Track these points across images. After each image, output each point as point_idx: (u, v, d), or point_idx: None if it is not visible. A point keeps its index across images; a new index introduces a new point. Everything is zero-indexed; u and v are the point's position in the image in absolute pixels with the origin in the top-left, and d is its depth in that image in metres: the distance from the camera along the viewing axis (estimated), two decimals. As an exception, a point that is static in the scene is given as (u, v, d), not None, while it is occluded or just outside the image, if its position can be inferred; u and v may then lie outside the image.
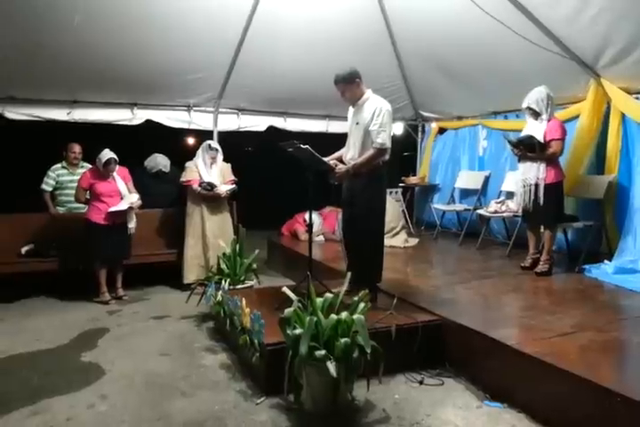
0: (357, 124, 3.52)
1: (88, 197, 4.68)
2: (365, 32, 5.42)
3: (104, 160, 4.54)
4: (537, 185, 4.24)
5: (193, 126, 6.24)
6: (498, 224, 6.10)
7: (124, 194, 4.70)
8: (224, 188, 5.10)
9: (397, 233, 6.15)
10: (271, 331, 2.81)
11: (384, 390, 2.82)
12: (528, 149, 4.25)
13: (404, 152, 8.77)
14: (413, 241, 6.12)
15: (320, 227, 6.36)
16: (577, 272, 4.42)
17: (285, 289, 2.96)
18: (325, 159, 3.52)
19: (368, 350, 2.46)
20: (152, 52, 5.03)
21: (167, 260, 5.22)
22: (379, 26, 5.50)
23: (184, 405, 2.74)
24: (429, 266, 5.29)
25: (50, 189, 5.27)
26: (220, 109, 6.29)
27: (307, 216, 5.00)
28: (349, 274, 3.22)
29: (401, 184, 7.45)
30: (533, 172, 4.25)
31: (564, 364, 2.43)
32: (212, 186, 5.01)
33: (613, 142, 4.65)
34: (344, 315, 2.60)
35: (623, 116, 4.59)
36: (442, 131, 7.53)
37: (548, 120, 4.26)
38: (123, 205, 4.61)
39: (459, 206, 6.58)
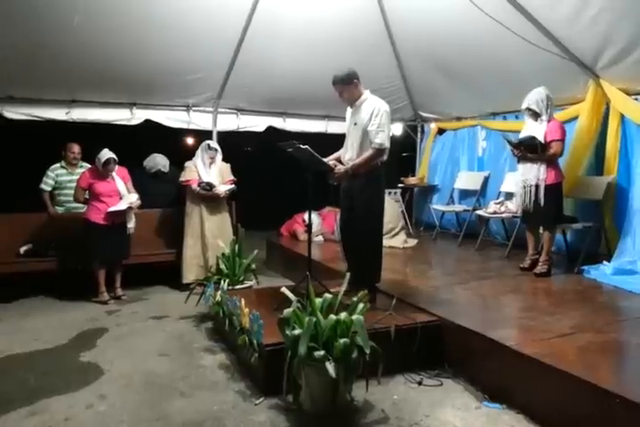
0: (355, 124, 3.53)
1: (87, 196, 4.68)
2: (365, 32, 5.42)
3: (103, 160, 4.53)
4: (537, 186, 4.24)
5: (192, 126, 6.23)
6: (497, 225, 6.10)
7: (123, 194, 4.70)
8: (223, 188, 5.10)
9: (396, 234, 6.15)
10: (270, 331, 2.80)
11: (383, 390, 2.82)
12: (529, 149, 4.25)
13: (403, 153, 8.78)
14: (412, 242, 6.13)
15: (319, 227, 6.36)
16: (576, 273, 4.42)
17: (284, 289, 2.96)
18: (325, 160, 3.52)
19: (367, 351, 2.46)
20: (151, 51, 5.02)
21: (166, 260, 5.22)
22: (378, 26, 5.51)
23: (183, 405, 2.74)
24: (428, 267, 5.29)
25: (49, 188, 5.26)
26: (220, 109, 6.29)
27: (306, 216, 5.01)
28: (348, 274, 3.23)
29: (400, 185, 7.45)
30: (534, 173, 4.25)
31: (563, 365, 2.43)
32: (210, 186, 5.01)
33: (612, 143, 4.65)
34: (343, 315, 2.60)
35: (622, 117, 4.59)
36: (441, 131, 7.53)
37: (548, 121, 4.26)
38: (122, 205, 4.60)
39: (458, 207, 6.58)
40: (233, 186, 5.22)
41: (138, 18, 4.57)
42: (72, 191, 4.85)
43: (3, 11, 4.12)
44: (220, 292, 3.80)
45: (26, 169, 5.90)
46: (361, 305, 2.76)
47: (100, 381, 3.05)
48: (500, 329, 3.01)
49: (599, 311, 3.42)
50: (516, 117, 5.84)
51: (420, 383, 2.96)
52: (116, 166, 4.68)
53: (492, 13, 4.17)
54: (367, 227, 3.53)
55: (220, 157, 5.26)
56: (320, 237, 6.30)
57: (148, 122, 5.96)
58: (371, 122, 3.40)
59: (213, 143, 5.36)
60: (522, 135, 4.41)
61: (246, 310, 3.13)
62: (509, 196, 5.53)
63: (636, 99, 4.47)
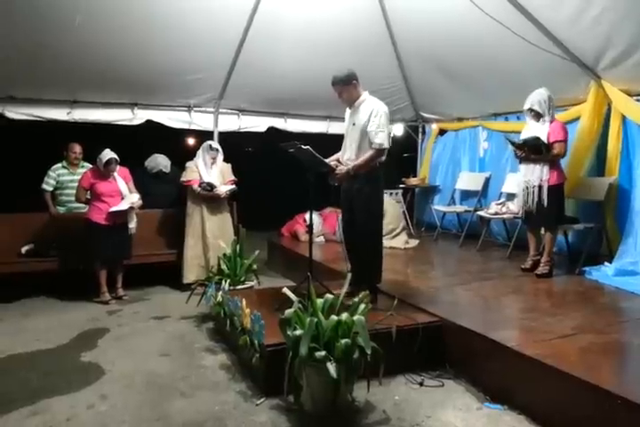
0: (354, 124, 3.54)
1: (89, 196, 4.68)
2: (366, 33, 5.42)
3: (105, 160, 4.54)
4: (540, 187, 4.23)
5: (193, 127, 6.24)
6: (498, 226, 6.10)
7: (124, 194, 4.70)
8: (224, 188, 5.10)
9: (398, 234, 6.15)
10: (271, 332, 2.81)
11: (384, 391, 2.82)
12: (533, 150, 4.25)
13: (405, 153, 8.78)
14: (414, 242, 6.12)
15: (320, 228, 6.36)
16: (577, 274, 4.41)
17: (286, 290, 2.96)
18: (326, 161, 3.52)
19: (368, 352, 2.46)
20: (153, 52, 5.03)
21: (167, 260, 5.22)
22: (379, 27, 5.51)
23: (184, 405, 2.74)
24: (430, 267, 5.28)
25: (50, 188, 5.27)
26: (221, 110, 6.30)
27: (307, 217, 5.01)
28: (349, 275, 3.22)
29: (401, 185, 7.45)
30: (537, 173, 4.25)
31: (565, 366, 2.43)
32: (211, 186, 5.01)
33: (614, 144, 4.65)
34: (344, 316, 2.59)
35: (624, 118, 4.58)
36: (442, 132, 7.54)
37: (551, 122, 4.26)
38: (123, 205, 4.61)
39: (459, 208, 6.58)
40: (234, 186, 5.22)
41: (139, 18, 4.58)
42: (73, 191, 4.86)
43: (4, 11, 4.12)
44: (221, 292, 3.80)
45: (27, 169, 5.91)
46: (362, 306, 2.76)
47: (102, 381, 3.05)
48: (502, 330, 3.01)
49: (601, 312, 3.42)
50: (518, 118, 5.83)
51: (421, 384, 2.96)
52: (118, 166, 4.68)
53: (493, 14, 4.16)
54: (366, 228, 3.54)
55: (221, 157, 5.27)
56: (321, 238, 6.30)
57: (149, 122, 5.96)
58: (370, 122, 3.41)
59: (215, 144, 5.36)
60: (523, 136, 4.41)
61: (247, 311, 3.13)
62: (511, 196, 5.52)
63: (638, 100, 4.46)
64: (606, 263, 4.36)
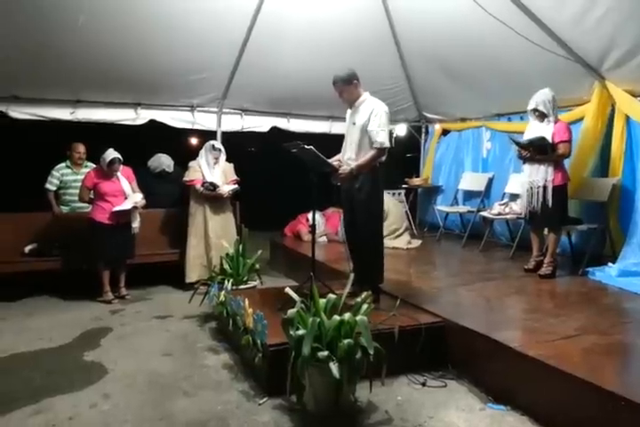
0: (354, 124, 3.56)
1: (92, 196, 4.69)
2: (369, 33, 5.42)
3: (108, 160, 4.55)
4: (545, 187, 4.22)
5: (196, 127, 6.24)
6: (501, 226, 6.08)
7: (128, 194, 4.71)
8: (226, 188, 5.11)
9: (400, 235, 6.14)
10: (274, 331, 2.81)
11: (387, 391, 2.82)
12: (538, 150, 4.24)
13: (407, 153, 8.76)
14: (416, 243, 6.12)
15: (323, 228, 6.36)
16: (580, 275, 4.40)
17: (288, 290, 2.96)
18: (329, 161, 3.52)
19: (371, 352, 2.46)
20: (156, 52, 5.03)
21: (170, 259, 5.23)
22: (382, 27, 5.51)
23: (186, 405, 2.74)
24: (432, 268, 5.28)
25: (54, 188, 5.28)
26: (224, 110, 6.30)
27: (310, 217, 5.01)
28: (352, 275, 3.22)
29: (404, 185, 7.45)
30: (541, 174, 4.24)
31: (568, 367, 2.42)
32: (214, 186, 5.02)
33: (618, 145, 4.63)
34: (347, 316, 2.59)
35: (628, 118, 4.57)
36: (445, 132, 7.53)
37: (555, 122, 4.26)
38: (127, 205, 4.62)
39: (462, 208, 6.57)
40: (236, 186, 5.22)
41: (143, 18, 4.58)
42: (77, 191, 4.87)
43: (7, 11, 4.13)
44: (223, 292, 3.80)
45: (31, 169, 5.92)
46: (365, 306, 2.76)
47: (104, 380, 3.06)
48: (505, 331, 3.01)
49: (604, 313, 3.41)
50: (521, 119, 5.82)
51: (423, 384, 2.96)
52: (121, 166, 4.69)
53: (497, 14, 4.16)
54: (367, 228, 3.54)
55: (223, 157, 5.27)
56: (324, 238, 6.30)
57: (152, 122, 5.97)
58: (370, 122, 3.42)
59: (217, 144, 5.37)
60: (526, 136, 4.40)
61: (250, 310, 3.13)
62: (514, 197, 5.51)
63: (642, 100, 4.45)
64: (610, 264, 4.35)
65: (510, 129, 5.87)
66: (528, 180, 4.36)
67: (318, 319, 2.57)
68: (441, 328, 3.21)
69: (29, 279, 4.80)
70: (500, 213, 5.40)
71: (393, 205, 6.38)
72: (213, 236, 5.06)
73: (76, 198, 4.92)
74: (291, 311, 2.66)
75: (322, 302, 2.75)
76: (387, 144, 3.43)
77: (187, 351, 3.52)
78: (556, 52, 4.40)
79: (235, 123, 6.47)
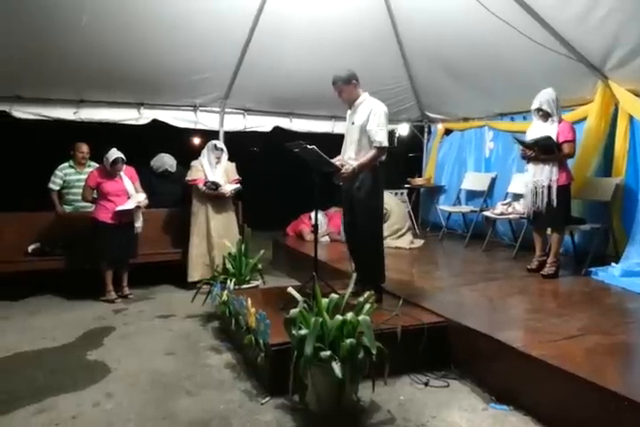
0: (353, 124, 3.59)
1: (95, 196, 4.70)
2: (371, 32, 5.42)
3: (111, 159, 4.56)
4: (549, 187, 4.22)
5: (199, 126, 6.25)
6: (504, 226, 6.07)
7: (131, 193, 4.72)
8: (229, 187, 5.12)
9: (403, 234, 6.15)
10: (276, 331, 2.81)
11: (389, 391, 2.82)
12: (543, 150, 4.23)
13: (410, 153, 8.76)
14: (419, 242, 6.11)
15: (325, 227, 6.36)
16: (583, 275, 4.39)
17: (291, 289, 2.97)
18: (332, 160, 3.53)
19: (373, 351, 2.46)
20: (159, 52, 5.04)
21: (172, 259, 5.23)
22: (385, 26, 5.50)
23: (189, 404, 2.75)
24: (435, 267, 5.28)
25: (57, 188, 5.29)
26: (226, 110, 6.30)
27: (312, 216, 5.01)
28: (355, 275, 3.22)
29: (406, 185, 7.43)
30: (546, 173, 4.22)
31: (571, 367, 2.42)
32: (216, 185, 5.02)
33: (621, 144, 4.62)
34: (349, 316, 2.60)
35: (631, 118, 4.56)
36: (448, 132, 7.51)
37: (559, 122, 4.25)
38: (130, 205, 4.62)
39: (465, 208, 6.56)
40: (238, 185, 5.23)
41: (145, 18, 4.59)
42: (80, 190, 4.88)
43: (11, 11, 4.14)
44: (226, 291, 3.81)
45: (34, 168, 5.94)
46: (367, 306, 2.76)
47: (107, 379, 3.07)
48: (507, 331, 3.00)
49: (607, 313, 3.40)
50: (524, 118, 5.80)
51: (426, 384, 2.96)
52: (124, 166, 4.70)
53: (499, 13, 4.15)
54: (366, 228, 3.55)
55: (225, 156, 5.28)
56: (326, 238, 6.30)
57: (155, 122, 5.98)
58: (369, 121, 3.45)
59: (220, 143, 5.37)
60: (529, 136, 4.39)
61: (253, 310, 3.13)
62: (517, 197, 5.50)
63: (646, 100, 4.44)
64: (613, 264, 4.33)
65: (513, 129, 5.86)
66: (532, 179, 4.35)
67: (321, 319, 2.57)
68: (443, 328, 3.20)
69: (32, 279, 4.81)
70: (502, 213, 5.39)
71: (395, 204, 6.38)
72: (215, 235, 5.07)
73: (80, 198, 4.94)
74: (293, 311, 2.67)
75: (324, 301, 2.75)
76: (385, 143, 3.44)
77: (189, 351, 3.53)
78: (558, 51, 4.38)
79: (237, 122, 6.47)
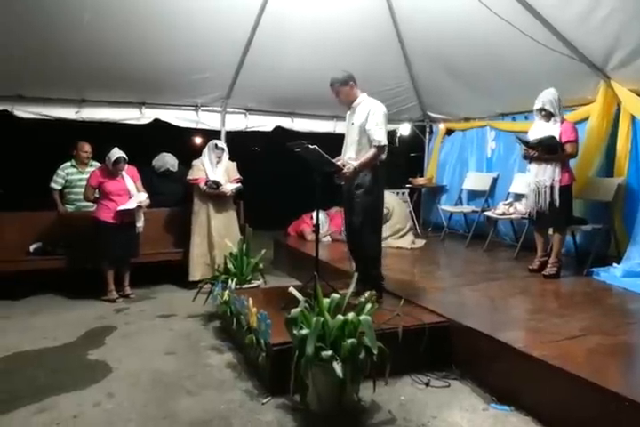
0: (352, 124, 3.61)
1: (97, 195, 4.71)
2: (373, 32, 5.41)
3: (113, 159, 4.56)
4: (552, 187, 4.21)
5: (201, 126, 6.25)
6: (505, 226, 6.06)
7: (132, 193, 4.73)
8: (229, 186, 5.12)
9: (404, 234, 6.14)
10: (277, 331, 2.81)
11: (390, 391, 2.82)
12: (547, 150, 4.22)
13: (412, 153, 8.75)
14: (420, 242, 6.11)
15: (327, 227, 6.36)
16: (585, 275, 4.38)
17: (292, 289, 2.96)
18: (333, 160, 3.53)
19: (374, 351, 2.46)
20: (161, 51, 5.04)
21: (174, 258, 5.24)
22: (386, 26, 5.49)
23: (190, 404, 2.75)
24: (436, 267, 5.27)
25: (59, 187, 5.29)
26: (228, 109, 6.30)
27: (314, 216, 5.01)
28: (356, 275, 3.22)
29: (408, 185, 7.43)
30: (548, 173, 4.22)
31: (572, 367, 2.42)
32: (217, 184, 5.03)
33: (623, 145, 4.62)
34: (351, 316, 2.60)
35: (633, 118, 4.55)
36: (449, 132, 7.51)
37: (561, 122, 4.24)
38: (131, 204, 4.63)
39: (466, 208, 6.56)
40: (239, 185, 5.23)
41: (146, 16, 4.59)
42: (82, 190, 4.88)
43: (13, 10, 4.15)
44: (227, 291, 3.81)
45: (35, 168, 5.95)
46: (369, 305, 2.76)
47: (108, 379, 3.07)
48: (509, 331, 3.00)
49: (608, 314, 3.40)
50: (526, 118, 5.80)
51: (427, 384, 2.95)
52: (126, 165, 4.70)
53: (502, 13, 4.14)
54: (364, 226, 3.56)
55: (226, 156, 5.29)
56: (327, 238, 6.30)
57: (156, 121, 5.98)
58: (368, 121, 3.48)
59: (221, 143, 5.38)
60: (531, 136, 4.39)
61: (254, 310, 3.13)
62: (518, 197, 5.50)
63: (648, 100, 4.43)
64: (614, 264, 4.33)
65: (515, 129, 5.85)
66: (535, 179, 4.34)
67: (322, 319, 2.57)
68: (445, 328, 3.20)
69: (34, 278, 4.81)
70: (504, 213, 5.39)
71: (397, 204, 6.37)
72: (216, 234, 5.08)
73: (82, 197, 4.94)
74: (294, 311, 2.67)
75: (325, 301, 2.75)
76: (384, 142, 3.46)
77: (190, 350, 3.53)
78: (560, 51, 4.38)
79: (239, 122, 6.47)
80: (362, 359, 2.49)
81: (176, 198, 5.59)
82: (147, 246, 4.97)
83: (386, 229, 5.77)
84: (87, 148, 5.38)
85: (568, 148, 4.19)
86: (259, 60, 5.50)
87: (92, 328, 3.98)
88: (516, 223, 5.78)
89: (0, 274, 4.54)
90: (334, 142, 3.92)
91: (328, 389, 2.53)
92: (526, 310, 3.63)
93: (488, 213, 5.66)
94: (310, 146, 3.29)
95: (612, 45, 4.19)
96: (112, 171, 4.63)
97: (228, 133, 6.32)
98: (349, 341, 2.48)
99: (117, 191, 4.65)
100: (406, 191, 7.39)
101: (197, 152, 5.40)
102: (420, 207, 7.77)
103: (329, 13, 5.03)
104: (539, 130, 4.34)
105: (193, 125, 6.24)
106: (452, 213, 6.69)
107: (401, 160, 8.55)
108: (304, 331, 2.54)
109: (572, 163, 4.48)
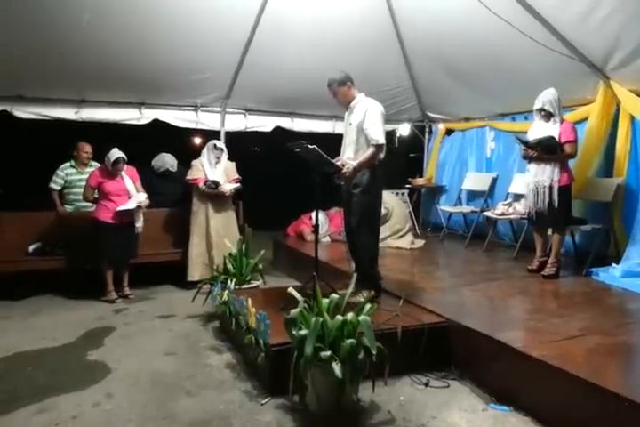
0: (350, 124, 3.63)
1: (96, 195, 4.70)
2: (373, 32, 5.42)
3: (113, 159, 4.56)
4: (551, 187, 4.21)
5: (200, 126, 6.25)
6: (505, 226, 6.07)
7: (132, 193, 4.72)
8: (228, 186, 5.12)
9: (404, 235, 6.14)
10: (277, 331, 2.81)
11: (389, 391, 2.81)
12: (546, 150, 4.22)
13: (411, 153, 8.75)
14: (420, 243, 6.11)
15: (326, 227, 6.36)
16: (584, 275, 4.38)
17: (291, 290, 2.96)
18: (333, 160, 3.53)
19: (374, 352, 2.45)
20: (160, 51, 5.04)
21: (173, 259, 5.23)
22: (386, 26, 5.50)
23: (189, 404, 2.74)
24: (435, 268, 5.27)
25: (58, 187, 5.29)
26: (228, 109, 6.30)
27: (313, 216, 5.00)
28: (355, 275, 3.22)
29: (407, 185, 7.43)
30: (547, 174, 4.22)
31: (571, 367, 2.42)
32: (216, 184, 5.03)
33: (622, 145, 4.62)
34: (350, 316, 2.60)
35: (632, 118, 4.55)
36: (449, 132, 7.51)
37: (561, 122, 4.25)
38: (131, 204, 4.63)
39: (465, 208, 6.56)
40: (238, 184, 5.23)
41: (146, 17, 4.59)
42: (82, 190, 4.88)
43: (12, 10, 4.14)
44: (226, 291, 3.81)
45: (35, 168, 5.94)
46: (368, 306, 2.76)
47: (108, 379, 3.06)
48: (508, 331, 3.00)
49: (608, 314, 3.40)
50: (525, 118, 5.80)
51: (426, 385, 2.95)
52: (126, 166, 4.70)
53: (501, 13, 4.15)
54: (361, 226, 3.57)
55: (225, 156, 5.29)
56: (327, 238, 6.30)
57: (156, 121, 5.98)
58: (365, 120, 3.50)
59: (220, 143, 5.38)
60: (531, 136, 4.39)
61: (253, 310, 3.13)
62: (518, 197, 5.50)
63: (647, 100, 4.43)
64: (614, 264, 4.33)
65: (514, 129, 5.85)
66: (534, 179, 4.34)
67: (321, 319, 2.57)
68: (444, 328, 3.20)
69: (33, 278, 4.81)
70: (503, 214, 5.39)
71: (396, 204, 6.38)
72: (215, 235, 5.08)
73: (81, 198, 4.94)
74: (293, 311, 2.67)
75: (325, 301, 2.75)
76: (382, 140, 3.48)
77: (190, 351, 3.53)
78: (560, 51, 4.38)
79: (238, 122, 6.47)
80: (361, 360, 2.49)
81: (175, 199, 5.59)
82: (146, 247, 4.97)
83: (385, 230, 5.78)
84: (87, 148, 5.38)
85: (567, 148, 4.19)
86: (258, 60, 5.50)
87: (91, 329, 3.98)
88: (516, 223, 5.78)
89: (-1, 274, 4.54)
90: (334, 142, 3.92)
91: (327, 389, 2.53)
92: (525, 310, 3.63)
93: (487, 214, 5.66)
94: (310, 146, 3.30)
95: (611, 45, 4.19)
96: (111, 171, 4.63)
97: (228, 134, 6.32)
98: (348, 341, 2.48)
99: (117, 191, 4.64)
100: (406, 191, 7.39)
101: (197, 152, 5.40)
102: (419, 207, 7.78)
103: (329, 13, 5.04)
104: (538, 130, 4.35)
105: (192, 126, 6.24)
106: (451, 214, 6.69)
107: (400, 160, 8.56)
108: (303, 331, 2.54)
109: (572, 163, 4.49)
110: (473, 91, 6.05)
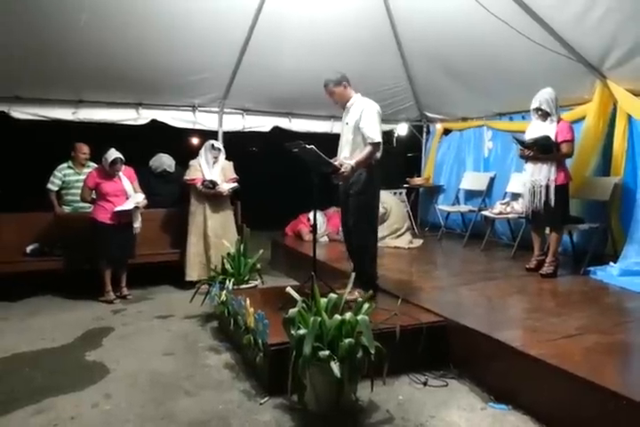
0: (347, 124, 3.66)
1: (94, 196, 4.70)
2: (370, 32, 5.42)
3: (110, 160, 4.55)
4: (547, 186, 4.22)
5: (198, 126, 6.24)
6: (502, 226, 6.08)
7: (129, 193, 4.72)
8: (226, 186, 5.12)
9: (402, 234, 6.15)
10: (275, 331, 2.81)
11: (388, 390, 2.82)
12: (542, 149, 4.23)
13: (409, 153, 8.76)
14: (418, 242, 6.11)
15: (324, 227, 6.36)
16: (582, 274, 4.39)
17: (289, 289, 2.96)
18: (331, 160, 3.53)
19: (372, 351, 2.46)
20: (157, 51, 5.03)
21: (171, 259, 5.23)
22: (384, 26, 5.50)
23: (188, 404, 2.74)
24: (434, 267, 5.28)
25: (56, 188, 5.28)
26: (225, 110, 6.30)
27: (311, 216, 5.01)
28: (353, 275, 3.23)
29: (405, 185, 7.44)
30: (544, 173, 4.23)
31: (569, 366, 2.42)
32: (213, 184, 5.03)
33: (619, 144, 4.63)
34: (348, 315, 2.60)
35: (629, 117, 4.56)
36: (447, 132, 7.52)
37: (558, 121, 4.25)
38: (129, 205, 4.62)
39: (463, 208, 6.57)
40: (236, 184, 5.23)
41: (144, 17, 4.58)
42: (79, 191, 4.88)
43: (10, 10, 4.13)
44: (225, 291, 3.81)
45: (32, 168, 5.93)
46: (366, 305, 2.76)
47: (106, 380, 3.06)
48: (506, 330, 3.01)
49: (606, 312, 3.41)
50: (523, 118, 5.81)
51: (425, 384, 2.95)
52: (123, 166, 4.70)
53: (499, 13, 4.15)
54: (358, 225, 3.59)
55: (222, 156, 5.29)
56: (325, 238, 6.30)
57: (153, 122, 5.97)
58: (362, 120, 3.53)
59: (217, 143, 5.37)
60: (528, 136, 4.40)
61: (251, 310, 3.13)
62: (515, 196, 5.51)
63: (644, 99, 4.44)
64: (611, 263, 4.34)
65: (512, 128, 5.86)
66: (530, 179, 4.35)
67: (319, 319, 2.57)
68: (442, 328, 3.21)
69: (31, 279, 4.81)
70: (501, 213, 5.40)
71: (395, 204, 6.38)
72: (212, 234, 5.08)
73: (79, 198, 4.93)
74: (292, 311, 2.67)
75: (323, 301, 2.76)
76: (378, 139, 3.50)
77: (188, 351, 3.52)
78: (557, 51, 4.39)
79: (236, 123, 6.47)
80: (359, 359, 2.50)
81: (173, 199, 5.58)
82: (144, 247, 4.96)
83: (383, 229, 5.78)
84: (85, 149, 5.37)
85: (564, 147, 4.20)
86: (256, 61, 5.50)
87: (89, 329, 3.97)
88: (513, 223, 5.78)
89: (-3, 275, 4.54)
90: (332, 143, 3.93)
91: (326, 388, 2.53)
92: (523, 309, 3.63)
93: (485, 213, 5.67)
94: (307, 146, 3.30)
95: (608, 45, 4.20)
96: (109, 172, 4.62)
97: (226, 134, 6.31)
98: (347, 340, 2.48)
99: (114, 192, 4.64)
100: (404, 191, 7.40)
101: (194, 153, 5.39)
102: (417, 207, 7.79)
103: (326, 13, 5.04)
104: (536, 129, 4.35)
105: (190, 126, 6.23)
106: (449, 213, 6.69)
107: (398, 160, 8.56)
108: (301, 331, 2.54)
109: (569, 162, 4.50)
110: (470, 91, 6.06)
